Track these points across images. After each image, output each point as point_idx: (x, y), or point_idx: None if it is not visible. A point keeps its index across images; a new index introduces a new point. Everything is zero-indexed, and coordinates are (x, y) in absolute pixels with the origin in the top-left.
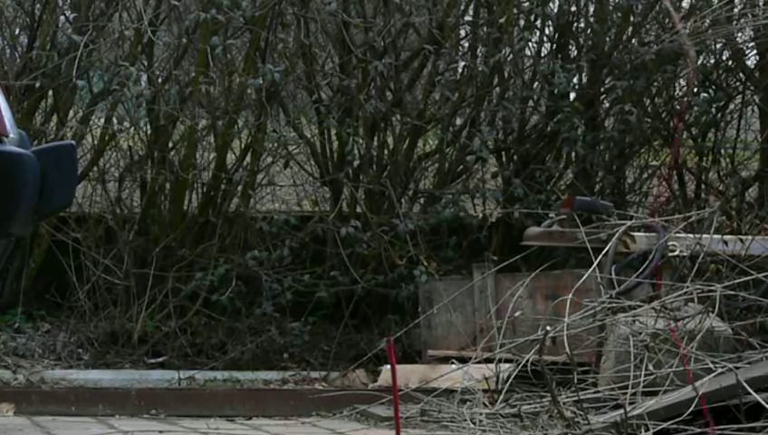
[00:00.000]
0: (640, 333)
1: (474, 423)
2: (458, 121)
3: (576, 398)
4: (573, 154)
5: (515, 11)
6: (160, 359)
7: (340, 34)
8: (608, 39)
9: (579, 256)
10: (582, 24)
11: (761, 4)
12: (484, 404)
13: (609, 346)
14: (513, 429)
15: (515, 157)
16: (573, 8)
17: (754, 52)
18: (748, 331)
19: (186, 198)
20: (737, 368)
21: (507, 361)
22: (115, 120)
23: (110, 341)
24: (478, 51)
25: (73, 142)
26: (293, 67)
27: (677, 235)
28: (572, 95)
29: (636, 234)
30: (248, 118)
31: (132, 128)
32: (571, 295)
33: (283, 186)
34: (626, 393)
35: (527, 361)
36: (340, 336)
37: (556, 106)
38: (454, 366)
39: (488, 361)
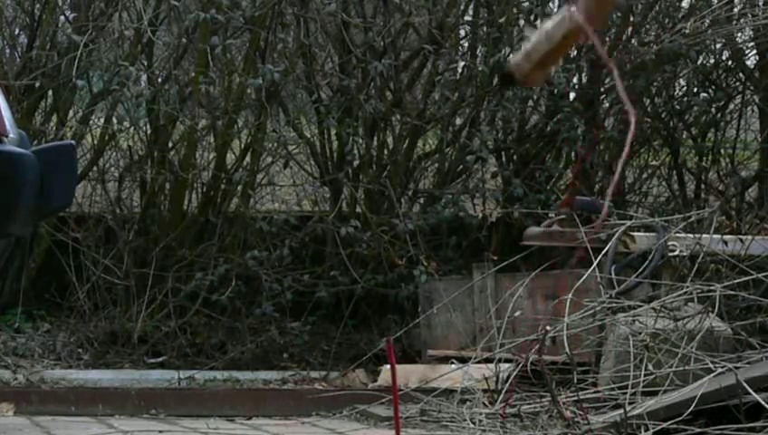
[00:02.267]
0: (640, 333)
1: (474, 423)
2: (458, 121)
3: (576, 398)
4: (573, 154)
5: (515, 11)
6: (160, 359)
7: (340, 34)
8: (608, 39)
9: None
10: None
11: (761, 4)
12: (484, 404)
13: (609, 346)
14: (512, 429)
15: (515, 157)
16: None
17: (754, 52)
18: (748, 331)
19: (186, 198)
20: (737, 368)
21: (507, 361)
22: (115, 120)
23: (109, 341)
24: (478, 51)
25: (73, 142)
26: (293, 67)
27: (677, 235)
28: (572, 95)
29: (636, 234)
30: (248, 118)
31: (132, 128)
32: (570, 295)
33: (283, 186)
34: (626, 393)
35: (527, 361)
36: (340, 336)
37: (556, 106)
38: (453, 366)
39: (488, 361)
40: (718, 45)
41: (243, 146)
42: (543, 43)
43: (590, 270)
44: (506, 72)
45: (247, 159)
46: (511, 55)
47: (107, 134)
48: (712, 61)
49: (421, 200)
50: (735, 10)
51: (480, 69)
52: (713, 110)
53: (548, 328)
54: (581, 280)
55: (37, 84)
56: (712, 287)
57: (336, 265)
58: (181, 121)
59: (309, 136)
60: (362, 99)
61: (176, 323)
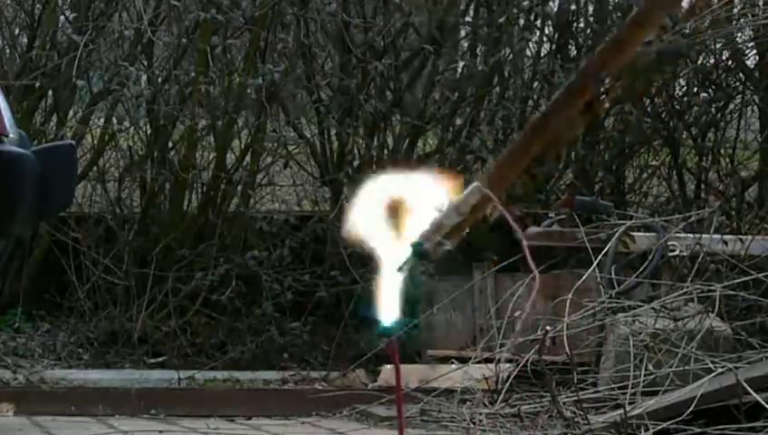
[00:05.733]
0: (640, 333)
1: (474, 423)
2: (458, 121)
3: (576, 398)
4: (573, 154)
5: (515, 11)
6: (160, 359)
7: (340, 34)
8: (608, 39)
9: (579, 256)
10: (582, 24)
11: (761, 4)
12: (484, 404)
13: (609, 346)
14: (512, 429)
15: None
16: (573, 8)
17: (754, 52)
18: (748, 331)
19: (186, 198)
20: (737, 368)
21: (507, 361)
22: (115, 120)
23: (110, 341)
24: (478, 50)
25: (73, 142)
26: (293, 67)
27: (677, 235)
28: None
29: (636, 234)
30: (248, 118)
31: (132, 128)
32: (570, 295)
33: (283, 186)
34: (626, 393)
35: (527, 361)
36: (340, 336)
37: None
38: (454, 366)
39: (488, 361)
40: (718, 45)
41: (243, 146)
42: (453, 215)
43: (590, 270)
44: (418, 247)
45: (247, 159)
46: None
47: (107, 134)
48: (712, 61)
49: None
50: (735, 10)
51: (480, 69)
52: (713, 110)
53: (548, 328)
54: (581, 280)
55: (37, 84)
56: (712, 287)
57: (336, 265)
58: (181, 121)
59: (309, 136)
60: (362, 99)
61: (176, 323)
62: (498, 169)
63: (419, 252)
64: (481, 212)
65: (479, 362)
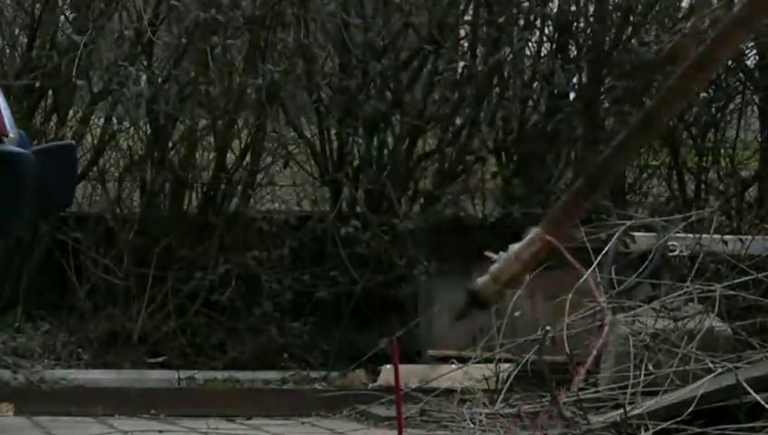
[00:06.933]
0: (640, 333)
1: (473, 423)
2: (458, 121)
3: (576, 398)
4: (573, 154)
5: (515, 11)
6: (160, 359)
7: (340, 34)
8: (608, 39)
9: (579, 256)
10: (582, 24)
11: None
12: (484, 404)
13: (609, 346)
14: (512, 428)
15: (515, 157)
16: (573, 8)
17: (754, 52)
18: (748, 331)
19: (186, 198)
20: (737, 368)
21: (507, 361)
22: (115, 120)
23: (109, 341)
24: (478, 51)
25: (73, 142)
26: (293, 67)
27: (677, 235)
28: (572, 95)
29: (636, 234)
30: (248, 118)
31: (132, 128)
32: (570, 295)
33: (283, 186)
34: (626, 393)
35: (527, 361)
36: (340, 336)
37: (556, 106)
38: (454, 366)
39: (488, 361)
40: None
41: (243, 146)
42: (513, 263)
43: (590, 270)
44: (476, 296)
45: (247, 159)
46: (478, 278)
47: (107, 134)
48: None
49: (421, 200)
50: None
51: (480, 69)
52: (713, 110)
53: (548, 328)
54: (581, 280)
55: (37, 84)
56: (712, 287)
57: (336, 265)
58: (181, 122)
59: (309, 136)
60: (362, 99)
61: (176, 324)
62: (557, 215)
63: (480, 301)
64: (540, 258)
65: (479, 362)
